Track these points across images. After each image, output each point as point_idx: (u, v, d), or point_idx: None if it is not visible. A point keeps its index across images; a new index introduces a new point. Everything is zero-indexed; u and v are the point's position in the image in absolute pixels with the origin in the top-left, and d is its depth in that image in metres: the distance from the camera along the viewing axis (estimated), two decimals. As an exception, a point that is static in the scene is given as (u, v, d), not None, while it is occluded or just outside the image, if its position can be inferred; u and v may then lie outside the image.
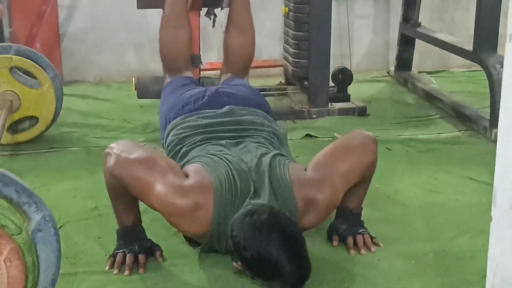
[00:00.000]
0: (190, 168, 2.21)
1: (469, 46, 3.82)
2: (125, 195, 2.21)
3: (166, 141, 2.52)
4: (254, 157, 2.23)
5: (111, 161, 2.15)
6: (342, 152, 2.30)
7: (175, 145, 2.43)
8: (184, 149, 2.38)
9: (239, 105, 2.60)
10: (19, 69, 3.44)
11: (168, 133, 2.52)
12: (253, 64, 3.22)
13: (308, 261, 2.00)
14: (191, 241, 2.32)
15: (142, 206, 2.32)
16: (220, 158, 2.21)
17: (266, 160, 2.22)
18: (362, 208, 2.42)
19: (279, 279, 1.96)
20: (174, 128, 2.51)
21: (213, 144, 2.34)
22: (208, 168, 2.17)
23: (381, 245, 2.35)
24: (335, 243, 2.37)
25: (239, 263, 2.05)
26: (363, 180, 2.36)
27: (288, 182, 2.16)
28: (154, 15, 4.30)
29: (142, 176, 2.10)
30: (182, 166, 2.25)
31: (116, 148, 2.18)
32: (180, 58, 3.03)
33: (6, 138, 3.31)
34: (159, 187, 2.07)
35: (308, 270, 1.99)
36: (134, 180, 2.12)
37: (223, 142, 2.35)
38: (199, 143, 2.37)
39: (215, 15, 3.64)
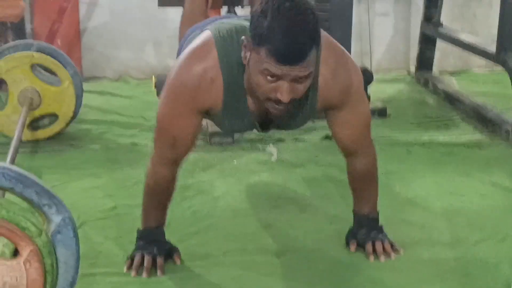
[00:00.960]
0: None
1: (491, 47, 3.77)
2: (162, 192, 2.21)
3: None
4: None
5: (153, 147, 2.19)
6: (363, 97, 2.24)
7: (189, 34, 2.41)
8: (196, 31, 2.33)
9: None
10: (40, 66, 3.44)
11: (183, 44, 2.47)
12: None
13: (305, 38, 1.84)
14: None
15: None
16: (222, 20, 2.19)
17: None
18: (378, 212, 2.38)
19: (268, 41, 1.83)
20: (189, 36, 2.45)
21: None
22: (207, 27, 2.14)
23: (401, 252, 2.32)
24: (353, 248, 2.35)
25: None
26: (366, 180, 2.32)
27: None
28: (173, 12, 4.29)
29: (163, 102, 2.11)
30: None
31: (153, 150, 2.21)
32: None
33: (26, 135, 3.32)
34: (171, 79, 2.07)
35: (300, 45, 1.84)
36: (165, 117, 2.11)
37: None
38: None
39: (235, 14, 3.63)
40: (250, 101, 2.08)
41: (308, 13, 1.88)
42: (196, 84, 2.03)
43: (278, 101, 1.92)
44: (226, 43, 2.04)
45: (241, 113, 2.11)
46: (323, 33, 2.07)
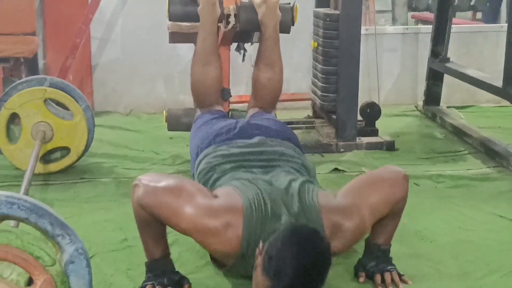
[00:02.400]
0: (220, 190, 2.25)
1: (498, 82, 3.82)
2: (153, 226, 2.23)
3: (197, 170, 2.55)
4: (283, 182, 2.26)
5: (139, 192, 2.18)
6: (373, 183, 2.32)
7: (206, 173, 2.46)
8: (214, 175, 2.41)
9: (269, 136, 2.63)
10: (53, 100, 3.50)
11: (199, 162, 2.55)
12: (281, 97, 3.26)
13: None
14: (216, 261, 2.32)
15: (170, 238, 2.35)
16: (251, 182, 2.24)
17: (295, 185, 2.24)
18: (390, 245, 2.42)
19: (274, 280, 1.88)
20: (206, 157, 2.54)
21: (243, 172, 2.36)
22: (238, 190, 2.20)
23: (410, 282, 2.34)
24: (361, 279, 2.37)
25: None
26: (393, 216, 2.36)
27: (317, 207, 2.17)
28: (184, 47, 4.38)
29: (170, 201, 2.13)
30: (213, 191, 2.28)
31: (144, 179, 2.22)
32: (211, 93, 3.08)
33: (39, 168, 3.36)
34: (188, 209, 2.10)
35: None
36: (163, 207, 2.13)
37: (253, 170, 2.38)
38: (229, 170, 2.40)
39: (245, 50, 3.70)
40: None
41: (324, 263, 1.92)
42: (210, 244, 2.12)
43: None
44: (253, 226, 2.10)
45: (247, 272, 2.13)
46: (321, 203, 2.19)
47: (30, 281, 1.73)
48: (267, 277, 1.89)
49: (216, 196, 2.19)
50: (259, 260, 1.95)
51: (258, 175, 2.32)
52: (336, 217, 2.17)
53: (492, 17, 6.98)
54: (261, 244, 1.98)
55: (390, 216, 2.35)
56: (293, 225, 2.03)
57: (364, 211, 2.22)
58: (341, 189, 2.31)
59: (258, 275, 1.94)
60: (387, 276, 2.33)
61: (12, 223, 2.06)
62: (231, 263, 2.19)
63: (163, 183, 2.18)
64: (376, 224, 2.38)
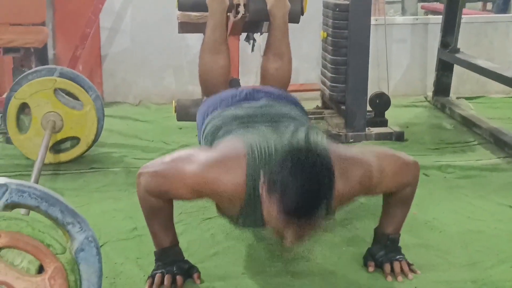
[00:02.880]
0: (222, 141, 2.25)
1: (509, 72, 3.80)
2: (161, 215, 2.24)
3: (203, 134, 2.53)
4: (289, 129, 2.22)
5: (144, 179, 2.19)
6: (386, 153, 2.30)
7: (212, 133, 2.44)
8: (220, 133, 2.38)
9: (275, 99, 2.61)
10: (63, 90, 3.52)
11: (206, 126, 2.53)
12: (290, 88, 3.25)
13: (315, 202, 1.88)
14: (226, 214, 2.28)
15: (179, 228, 2.37)
16: (254, 128, 2.24)
17: (302, 129, 2.22)
18: (399, 234, 2.42)
19: (281, 197, 1.88)
20: (212, 120, 2.52)
21: (249, 128, 2.34)
22: (239, 135, 2.19)
23: (419, 272, 2.35)
24: (371, 269, 2.37)
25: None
26: (402, 203, 2.36)
27: (325, 148, 2.11)
28: (193, 38, 4.38)
29: (173, 170, 2.13)
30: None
31: (145, 167, 2.23)
32: (219, 83, 3.07)
33: (49, 157, 3.38)
34: (191, 167, 2.09)
35: (310, 202, 1.87)
36: (168, 179, 2.13)
37: (259, 128, 2.33)
38: (236, 129, 2.36)
39: (254, 40, 3.70)
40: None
41: (322, 164, 1.91)
42: (217, 191, 2.09)
43: (285, 244, 1.95)
44: (257, 165, 2.07)
45: (256, 221, 2.13)
46: (334, 158, 2.08)
47: (40, 269, 1.74)
48: (274, 200, 1.88)
49: (217, 148, 2.20)
50: (263, 189, 1.94)
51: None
52: (343, 162, 2.12)
53: (502, 7, 6.94)
54: (262, 176, 1.97)
55: (399, 203, 2.35)
56: (290, 149, 1.98)
57: (372, 166, 2.18)
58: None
59: (267, 205, 1.93)
60: (396, 265, 2.33)
61: (22, 211, 2.07)
62: (240, 210, 2.13)
63: (162, 160, 2.20)
64: (384, 213, 2.39)
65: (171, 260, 2.29)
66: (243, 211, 2.14)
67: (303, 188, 1.85)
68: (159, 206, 2.21)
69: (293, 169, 1.86)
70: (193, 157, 2.13)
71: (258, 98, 2.59)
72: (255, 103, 2.54)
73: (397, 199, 2.35)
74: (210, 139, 2.41)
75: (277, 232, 1.97)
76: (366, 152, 2.26)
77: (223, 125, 2.41)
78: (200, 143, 2.62)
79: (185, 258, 2.34)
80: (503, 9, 6.86)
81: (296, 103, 2.68)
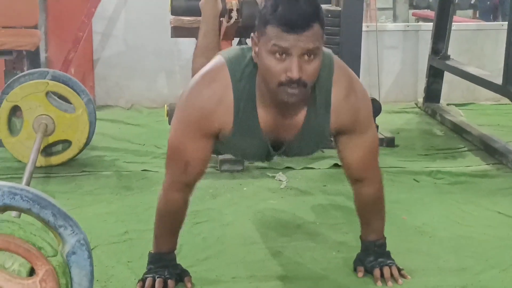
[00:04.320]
0: None
1: (498, 80, 3.83)
2: (174, 218, 2.25)
3: None
4: None
5: (165, 174, 2.21)
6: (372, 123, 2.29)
7: None
8: None
9: None
10: (55, 93, 3.52)
11: None
12: (283, 94, 3.26)
13: (307, 6, 1.91)
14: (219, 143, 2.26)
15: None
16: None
17: None
18: (385, 238, 2.42)
19: (272, 15, 1.90)
20: None
21: None
22: (218, 56, 2.19)
23: (409, 277, 2.36)
24: (360, 274, 2.38)
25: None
26: (374, 209, 2.36)
27: (331, 56, 2.13)
28: (186, 42, 4.39)
29: (175, 126, 2.15)
30: None
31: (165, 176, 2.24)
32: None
33: (40, 160, 3.37)
34: (182, 102, 2.13)
35: (303, 11, 1.90)
36: (177, 140, 2.14)
37: None
38: None
39: (246, 45, 3.70)
40: (261, 114, 2.10)
41: None
42: (205, 105, 2.08)
43: (290, 82, 1.94)
44: (237, 60, 2.10)
45: (253, 130, 2.13)
46: (336, 58, 2.14)
47: (32, 272, 1.74)
48: (270, 28, 1.91)
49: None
50: (255, 44, 1.98)
51: None
52: (347, 75, 2.14)
53: (489, 14, 6.97)
54: (252, 35, 2.00)
55: (371, 209, 2.35)
56: None
57: (365, 107, 2.20)
58: None
59: (263, 46, 1.94)
60: (386, 270, 2.34)
61: (14, 213, 2.07)
62: (235, 119, 2.10)
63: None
64: (362, 223, 2.41)
65: (163, 264, 2.29)
66: (237, 116, 2.10)
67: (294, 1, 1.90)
68: (177, 207, 2.22)
69: None
70: (181, 96, 2.15)
71: None
72: None
73: (367, 203, 2.35)
74: None
75: (278, 86, 1.94)
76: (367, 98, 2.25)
77: None
78: None
79: (177, 262, 2.34)
80: (490, 16, 6.88)
81: None
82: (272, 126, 2.13)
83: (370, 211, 2.37)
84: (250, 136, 2.15)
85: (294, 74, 1.92)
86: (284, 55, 1.92)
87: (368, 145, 2.25)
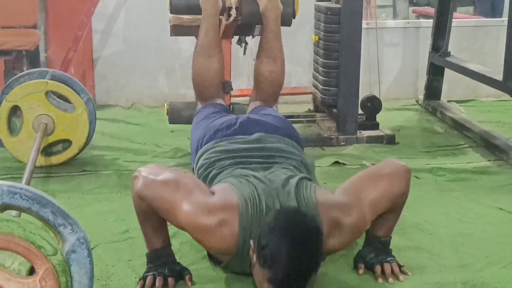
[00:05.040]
0: (217, 187, 2.26)
1: (499, 76, 3.83)
2: (153, 217, 2.24)
3: (196, 165, 2.57)
4: (280, 179, 2.26)
5: (138, 183, 2.20)
6: (373, 179, 2.32)
7: (205, 169, 2.47)
8: (213, 172, 2.42)
9: (269, 132, 2.64)
10: (54, 93, 3.51)
11: (199, 158, 2.57)
12: (282, 91, 3.27)
13: (305, 275, 1.93)
14: (213, 258, 2.34)
15: (171, 230, 2.36)
16: (247, 180, 2.25)
17: (293, 181, 2.25)
18: (391, 237, 2.43)
19: (272, 269, 1.91)
20: (205, 152, 2.56)
21: (241, 168, 2.38)
22: (234, 187, 2.21)
23: (409, 273, 2.36)
24: (361, 271, 2.38)
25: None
26: (394, 209, 2.37)
27: (314, 202, 2.17)
28: (186, 41, 4.39)
29: (168, 196, 2.15)
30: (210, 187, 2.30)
31: (144, 171, 2.24)
32: (212, 86, 3.09)
33: (40, 160, 3.37)
34: (185, 206, 2.12)
35: (301, 278, 1.92)
36: (160, 201, 2.16)
37: (252, 166, 2.39)
38: (228, 166, 2.41)
39: (246, 43, 3.70)
40: None
41: (314, 242, 1.95)
42: (206, 242, 2.14)
43: None
44: (249, 221, 2.11)
45: (244, 270, 2.17)
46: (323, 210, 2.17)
47: (32, 270, 1.75)
48: (264, 268, 1.92)
49: (212, 193, 2.21)
50: (254, 257, 1.98)
51: (255, 172, 2.32)
52: (334, 213, 2.17)
53: (487, 10, 6.95)
54: (252, 242, 2.01)
55: (391, 210, 2.36)
56: (278, 211, 2.05)
57: (363, 208, 2.22)
58: (340, 186, 2.32)
59: (257, 271, 1.97)
60: (387, 267, 2.34)
61: (14, 212, 2.07)
62: (227, 260, 2.20)
63: (161, 177, 2.20)
64: (376, 217, 2.39)
65: (162, 262, 2.29)
66: (231, 261, 2.19)
67: (293, 265, 1.89)
68: (151, 210, 2.22)
69: (282, 239, 1.90)
70: (191, 196, 2.15)
71: (253, 131, 2.63)
72: (249, 137, 2.58)
73: (392, 205, 2.36)
74: (204, 175, 2.44)
75: None
76: (357, 188, 2.28)
77: (216, 162, 2.45)
78: (193, 170, 2.66)
79: (177, 260, 2.34)
80: (489, 12, 6.86)
81: (290, 134, 2.71)
82: None
83: (392, 210, 2.37)
84: (241, 270, 2.23)
85: None
86: None
87: (388, 198, 2.30)
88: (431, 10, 6.21)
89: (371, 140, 3.96)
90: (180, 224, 2.16)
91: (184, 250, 2.51)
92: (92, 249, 2.47)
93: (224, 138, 2.60)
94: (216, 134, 2.64)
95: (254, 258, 1.98)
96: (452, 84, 5.05)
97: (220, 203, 2.15)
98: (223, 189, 2.22)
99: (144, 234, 2.31)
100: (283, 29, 3.19)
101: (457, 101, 4.95)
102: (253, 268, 2.02)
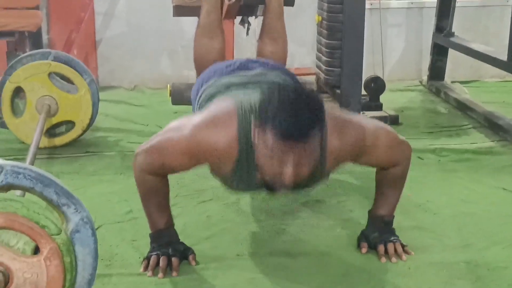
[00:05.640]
0: (212, 103, 2.27)
1: (503, 56, 3.81)
2: (157, 195, 2.25)
3: (198, 102, 2.54)
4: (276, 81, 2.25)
5: (139, 158, 2.20)
6: (382, 126, 2.30)
7: (206, 101, 2.45)
8: (213, 100, 2.39)
9: (270, 69, 2.61)
10: (57, 74, 3.51)
11: (200, 95, 2.54)
12: (285, 72, 3.25)
13: (307, 115, 1.88)
14: (220, 177, 2.28)
15: (175, 211, 2.39)
16: (243, 91, 2.27)
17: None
18: (393, 216, 2.43)
19: (272, 119, 1.88)
20: (207, 89, 2.52)
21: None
22: (229, 95, 2.22)
23: (412, 253, 2.36)
24: (364, 250, 2.39)
25: None
26: (394, 184, 2.37)
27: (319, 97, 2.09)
28: (188, 22, 4.37)
29: (168, 140, 2.14)
30: None
31: (140, 146, 2.24)
32: (214, 66, 3.08)
33: (44, 141, 3.38)
34: (185, 131, 2.10)
35: (303, 120, 1.87)
36: (164, 149, 2.14)
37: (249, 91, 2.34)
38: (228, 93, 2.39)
39: (249, 23, 3.69)
40: (259, 175, 2.07)
41: (312, 97, 1.93)
42: (210, 150, 2.09)
43: (283, 184, 1.95)
44: (247, 120, 2.07)
45: (250, 182, 2.15)
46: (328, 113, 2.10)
47: (36, 250, 1.75)
48: (268, 131, 1.89)
49: (206, 109, 2.21)
50: (255, 135, 1.95)
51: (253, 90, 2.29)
52: (337, 121, 2.14)
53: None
54: (253, 120, 1.99)
55: (391, 184, 2.36)
56: (274, 86, 2.00)
57: (366, 130, 2.19)
58: None
59: (261, 148, 1.93)
60: (390, 246, 2.35)
61: (18, 192, 2.08)
62: (234, 169, 2.12)
63: (155, 136, 2.21)
64: (377, 195, 2.41)
65: (166, 242, 2.30)
66: (237, 169, 2.12)
67: (295, 111, 1.86)
68: (155, 186, 2.23)
69: (282, 96, 1.89)
70: (184, 124, 2.14)
71: (253, 68, 2.59)
72: (250, 72, 2.54)
73: (389, 180, 2.36)
74: (204, 106, 2.40)
75: (272, 178, 1.96)
76: (363, 118, 2.29)
77: (217, 93, 2.41)
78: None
79: (181, 240, 2.35)
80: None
81: (292, 76, 2.66)
82: (268, 184, 2.08)
83: (390, 187, 2.37)
84: (247, 184, 2.18)
85: (288, 184, 1.93)
86: (280, 159, 1.91)
87: (384, 150, 2.26)
88: (435, -9, 6.16)
89: (374, 121, 3.95)
90: (185, 155, 2.11)
91: (188, 230, 2.52)
92: (96, 229, 2.48)
93: (225, 76, 2.55)
94: (215, 73, 2.61)
95: (256, 132, 1.94)
96: (456, 65, 5.03)
97: (215, 111, 2.14)
98: (218, 99, 2.23)
99: (147, 215, 2.31)
100: (286, 9, 3.18)
101: (461, 82, 4.94)
102: (257, 150, 1.96)
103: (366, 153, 2.22)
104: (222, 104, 2.19)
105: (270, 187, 2.07)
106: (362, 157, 2.23)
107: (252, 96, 2.14)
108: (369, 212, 2.44)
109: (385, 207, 2.40)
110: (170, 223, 2.32)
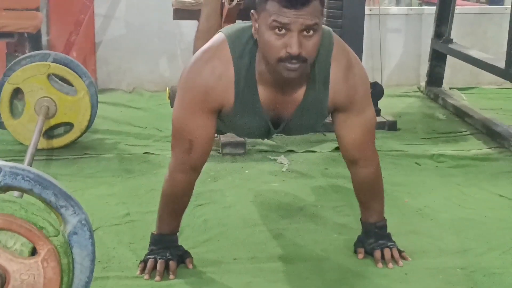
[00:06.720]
0: None
1: (501, 63, 3.82)
2: (176, 202, 2.27)
3: None
4: None
5: (172, 156, 2.21)
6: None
7: None
8: None
9: None
10: (56, 76, 3.51)
11: None
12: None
13: None
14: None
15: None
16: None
17: None
18: (385, 220, 2.42)
19: None
20: None
21: None
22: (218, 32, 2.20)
23: (409, 259, 2.36)
24: (360, 255, 2.39)
25: None
26: (372, 192, 2.36)
27: (330, 32, 2.14)
28: (188, 25, 4.37)
29: (181, 107, 2.16)
30: None
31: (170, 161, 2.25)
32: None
33: (42, 143, 3.37)
34: (184, 74, 2.14)
35: None
36: (182, 121, 2.15)
37: None
38: None
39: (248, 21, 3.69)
40: (261, 91, 2.10)
41: None
42: (206, 82, 2.09)
43: (290, 58, 1.94)
44: (237, 37, 2.10)
45: (253, 107, 2.13)
46: (336, 36, 2.15)
47: (33, 251, 1.75)
48: (269, 5, 1.91)
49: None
50: (255, 22, 1.98)
51: None
52: (346, 56, 2.14)
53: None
54: (253, 13, 2.00)
55: (370, 193, 2.36)
56: None
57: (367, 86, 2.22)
58: None
59: (261, 28, 1.95)
60: (387, 252, 2.35)
61: (16, 193, 2.08)
62: (236, 94, 2.11)
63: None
64: (362, 206, 2.41)
65: (165, 245, 2.30)
66: (238, 92, 2.10)
67: None
68: (181, 190, 2.23)
69: None
70: (183, 69, 2.17)
71: None
72: None
73: (365, 189, 2.36)
74: None
75: (278, 62, 1.95)
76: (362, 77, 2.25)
77: None
78: None
79: (179, 244, 2.35)
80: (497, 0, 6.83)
81: None
82: (272, 103, 2.13)
83: (368, 193, 2.37)
84: (251, 113, 2.15)
85: (294, 50, 1.92)
86: (283, 30, 1.93)
87: (364, 125, 2.25)
88: (434, -3, 6.18)
89: (372, 126, 3.95)
90: (196, 102, 2.11)
91: (185, 234, 2.52)
92: (94, 231, 2.48)
93: None
94: None
95: (256, 22, 1.97)
96: (454, 71, 5.05)
97: (206, 45, 2.15)
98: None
99: (159, 217, 2.31)
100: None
101: (459, 88, 4.94)
102: (258, 38, 1.99)
103: (353, 108, 2.19)
104: (210, 40, 2.19)
105: (275, 112, 2.11)
106: (350, 111, 2.20)
107: (239, 24, 2.17)
108: (361, 221, 2.44)
109: (373, 215, 2.40)
110: (175, 230, 2.33)
